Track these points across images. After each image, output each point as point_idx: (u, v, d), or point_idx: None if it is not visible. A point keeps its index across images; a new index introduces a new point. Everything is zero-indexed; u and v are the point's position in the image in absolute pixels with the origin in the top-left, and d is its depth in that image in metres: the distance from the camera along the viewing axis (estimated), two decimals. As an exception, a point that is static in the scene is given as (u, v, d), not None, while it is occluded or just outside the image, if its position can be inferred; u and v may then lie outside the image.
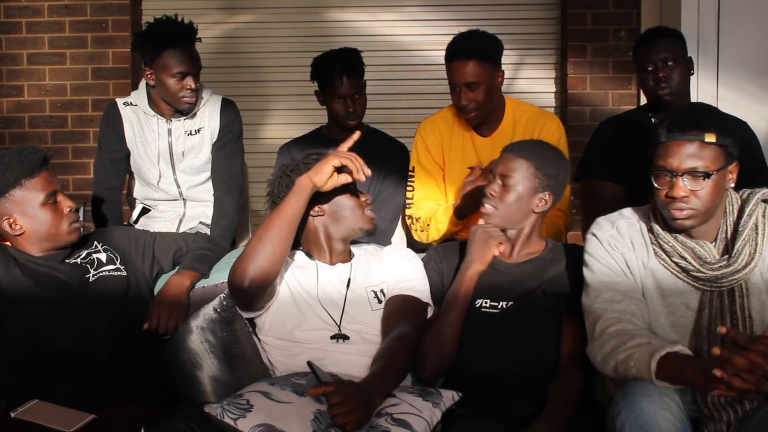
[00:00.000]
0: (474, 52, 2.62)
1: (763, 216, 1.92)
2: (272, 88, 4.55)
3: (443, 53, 2.73)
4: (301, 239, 2.24)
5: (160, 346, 2.25)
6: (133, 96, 2.88)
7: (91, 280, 2.25)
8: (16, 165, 2.17)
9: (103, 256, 2.32)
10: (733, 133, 1.87)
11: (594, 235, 2.03)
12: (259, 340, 2.20)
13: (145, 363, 2.20)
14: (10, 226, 2.20)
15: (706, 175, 1.84)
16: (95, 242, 2.35)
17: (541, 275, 2.18)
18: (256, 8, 4.53)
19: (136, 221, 3.00)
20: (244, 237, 3.17)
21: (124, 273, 2.31)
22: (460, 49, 2.66)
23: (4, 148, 2.46)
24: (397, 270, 2.23)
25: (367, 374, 1.92)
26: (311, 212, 2.19)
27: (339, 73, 2.91)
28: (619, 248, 1.99)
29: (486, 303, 2.16)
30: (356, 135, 2.19)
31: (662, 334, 1.92)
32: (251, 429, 1.74)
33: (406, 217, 2.87)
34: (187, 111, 2.81)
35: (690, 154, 1.84)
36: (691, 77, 2.83)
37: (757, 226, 1.90)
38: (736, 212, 1.93)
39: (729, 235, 1.92)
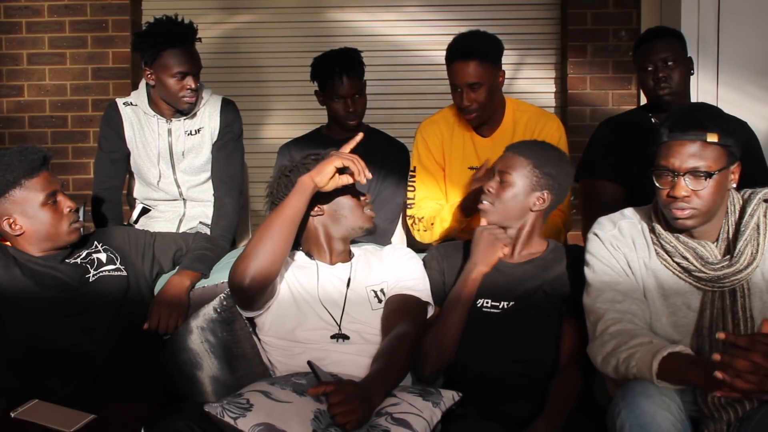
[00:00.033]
0: (475, 53, 2.62)
1: (765, 216, 1.91)
2: (272, 88, 4.55)
3: (443, 53, 2.73)
4: (301, 239, 2.24)
5: (160, 346, 2.25)
6: (133, 96, 2.88)
7: (91, 280, 2.25)
8: (16, 165, 2.17)
9: (103, 256, 2.32)
10: (735, 134, 1.87)
11: (596, 234, 2.03)
12: (259, 340, 2.20)
13: (145, 363, 2.20)
14: (10, 226, 2.20)
15: (708, 175, 1.83)
16: (95, 242, 2.35)
17: (542, 275, 2.18)
18: (256, 8, 4.54)
19: (136, 221, 3.00)
20: (244, 237, 3.17)
21: (124, 273, 2.31)
22: (461, 49, 2.65)
23: (4, 148, 2.46)
24: (397, 269, 2.23)
25: (367, 374, 1.92)
26: (311, 212, 2.19)
27: (339, 73, 2.91)
28: (621, 248, 1.98)
29: (487, 303, 2.17)
30: (359, 137, 2.20)
31: (664, 335, 1.92)
32: (251, 428, 1.74)
33: (407, 218, 2.87)
34: (187, 111, 2.81)
35: (692, 153, 1.84)
36: (691, 77, 2.84)
37: (758, 226, 1.90)
38: (737, 212, 1.93)
39: (731, 236, 1.92)
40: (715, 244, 1.92)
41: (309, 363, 1.88)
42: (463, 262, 2.25)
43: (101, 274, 2.28)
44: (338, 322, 2.12)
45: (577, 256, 2.13)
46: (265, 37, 4.54)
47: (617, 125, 2.93)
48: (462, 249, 2.32)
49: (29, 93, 4.40)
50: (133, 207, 3.05)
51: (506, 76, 2.76)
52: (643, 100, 3.10)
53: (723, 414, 1.83)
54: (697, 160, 1.84)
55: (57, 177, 2.27)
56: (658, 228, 1.95)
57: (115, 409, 2.01)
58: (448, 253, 2.33)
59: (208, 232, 2.84)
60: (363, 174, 2.07)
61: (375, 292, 2.20)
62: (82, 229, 2.30)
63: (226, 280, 2.22)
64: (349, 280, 2.19)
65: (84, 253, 2.30)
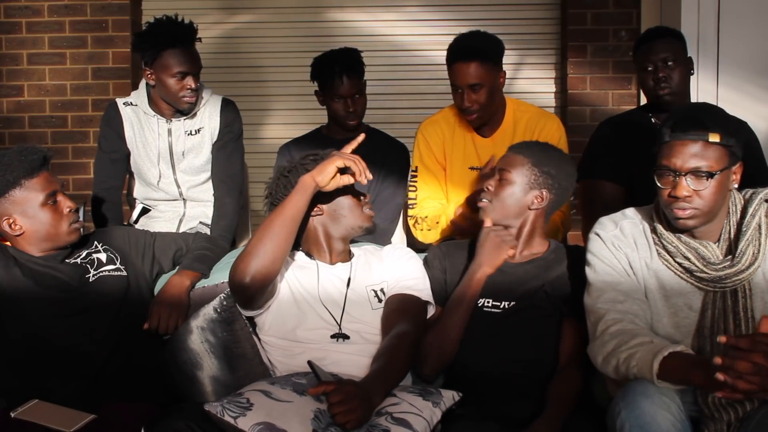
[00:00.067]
0: (476, 54, 2.62)
1: (766, 216, 1.91)
2: (272, 88, 4.55)
3: (443, 53, 2.73)
4: (301, 240, 2.25)
5: (160, 346, 2.25)
6: (133, 96, 2.88)
7: (91, 280, 2.25)
8: (16, 165, 2.17)
9: (103, 256, 2.32)
10: (737, 134, 1.87)
11: (597, 234, 2.03)
12: (259, 339, 2.20)
13: (145, 363, 2.20)
14: (10, 226, 2.20)
15: (710, 175, 1.83)
16: (95, 242, 2.35)
17: (543, 276, 2.18)
18: (256, 8, 4.53)
19: (136, 221, 3.00)
20: (244, 237, 3.17)
21: (124, 273, 2.31)
22: (462, 50, 2.65)
23: (4, 148, 2.46)
24: (396, 269, 2.23)
25: (367, 373, 1.92)
26: (311, 212, 2.19)
27: (339, 73, 2.91)
28: (623, 248, 1.98)
29: (488, 302, 2.17)
30: (360, 137, 2.20)
31: (665, 335, 1.91)
32: (251, 427, 1.74)
33: (408, 218, 2.87)
34: (187, 111, 2.81)
35: (693, 153, 1.84)
36: (691, 77, 2.84)
37: (760, 227, 1.90)
38: (739, 212, 1.92)
39: (732, 236, 1.91)
40: (717, 244, 1.92)
41: (309, 363, 1.88)
42: (466, 262, 2.26)
43: (101, 274, 2.28)
44: (338, 322, 2.12)
45: (578, 257, 2.13)
46: (265, 37, 4.54)
47: (617, 125, 2.93)
48: (464, 248, 2.32)
49: (29, 93, 4.40)
50: (133, 207, 3.05)
51: (506, 77, 2.77)
52: (643, 100, 3.10)
53: (723, 414, 1.83)
54: (699, 160, 1.83)
55: (57, 177, 2.27)
56: (660, 228, 1.95)
57: (115, 409, 2.01)
58: (450, 252, 2.33)
59: (208, 232, 2.84)
60: (364, 174, 2.08)
61: (375, 291, 2.20)
62: (82, 229, 2.30)
63: (226, 280, 2.22)
64: (349, 279, 2.20)
65: (84, 253, 2.30)
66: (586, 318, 1.99)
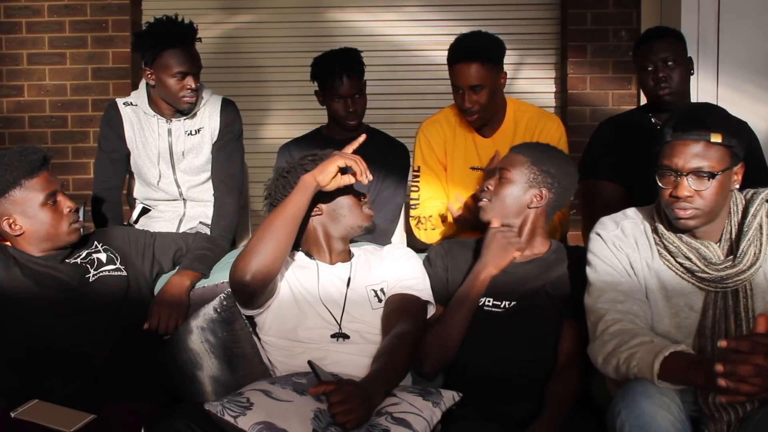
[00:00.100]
0: (477, 55, 2.62)
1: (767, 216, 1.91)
2: (272, 88, 4.55)
3: (443, 53, 2.73)
4: (300, 240, 2.25)
5: (160, 346, 2.25)
6: (133, 96, 2.88)
7: (91, 280, 2.25)
8: (16, 165, 2.17)
9: (103, 256, 2.32)
10: (739, 134, 1.86)
11: (598, 234, 2.02)
12: (259, 339, 2.20)
13: (145, 363, 2.20)
14: (10, 226, 2.20)
15: (711, 176, 1.83)
16: (95, 242, 2.35)
17: (544, 276, 2.18)
18: (256, 8, 4.54)
19: (136, 221, 3.00)
20: (244, 237, 3.17)
21: (124, 273, 2.31)
22: (464, 51, 2.65)
23: (4, 148, 2.46)
24: (396, 269, 2.23)
25: (367, 373, 1.92)
26: (311, 212, 2.19)
27: (339, 73, 2.91)
28: (624, 248, 1.98)
29: (489, 302, 2.17)
30: (362, 138, 2.21)
31: (666, 335, 1.91)
32: (251, 427, 1.74)
33: (411, 218, 2.86)
34: (187, 111, 2.81)
35: (695, 153, 1.84)
36: (691, 77, 2.84)
37: (761, 227, 1.90)
38: (740, 212, 1.92)
39: (733, 236, 1.91)
40: (718, 244, 1.91)
41: (309, 363, 1.88)
42: (469, 260, 2.26)
43: (101, 274, 2.28)
44: (338, 322, 2.12)
45: (579, 257, 2.13)
46: (265, 37, 4.54)
47: (617, 125, 2.93)
48: (466, 246, 2.32)
49: (29, 93, 4.40)
50: (133, 207, 3.06)
51: (507, 77, 2.76)
52: (643, 100, 3.10)
53: (723, 414, 1.83)
54: (701, 160, 1.83)
55: (57, 177, 2.27)
56: (661, 228, 1.95)
57: (115, 409, 2.01)
58: (452, 250, 2.32)
59: (208, 232, 2.84)
60: (365, 175, 2.08)
61: (375, 291, 2.20)
62: (82, 229, 2.30)
63: (226, 280, 2.22)
64: (349, 279, 2.20)
65: (84, 253, 2.30)
66: (586, 318, 1.99)
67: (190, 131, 2.85)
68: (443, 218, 2.75)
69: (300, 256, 2.24)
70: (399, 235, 3.10)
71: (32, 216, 2.19)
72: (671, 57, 2.73)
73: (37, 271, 2.21)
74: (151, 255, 2.41)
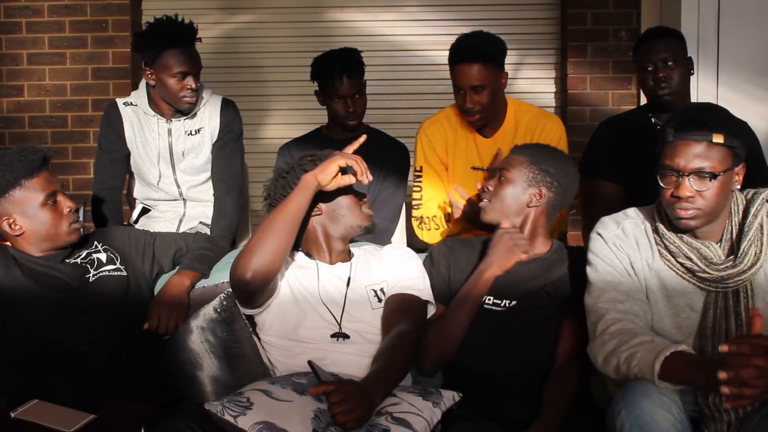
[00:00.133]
0: (479, 55, 2.61)
1: (768, 216, 1.92)
2: (272, 88, 4.55)
3: (443, 53, 2.73)
4: (300, 240, 2.25)
5: (160, 346, 2.25)
6: (133, 96, 2.88)
7: (91, 280, 2.25)
8: (16, 165, 2.17)
9: (103, 256, 2.32)
10: (741, 135, 1.86)
11: (599, 234, 2.02)
12: (259, 339, 2.20)
13: (145, 363, 2.20)
14: (10, 226, 2.20)
15: (713, 176, 1.83)
16: (95, 242, 2.35)
17: (546, 276, 2.18)
18: (256, 8, 4.54)
19: (136, 221, 3.00)
20: (244, 237, 3.17)
21: (124, 273, 2.31)
22: (466, 51, 2.64)
23: (4, 148, 2.46)
24: (396, 269, 2.23)
25: (368, 373, 1.92)
26: (311, 212, 2.19)
27: (339, 73, 2.91)
28: (624, 248, 1.98)
29: (489, 300, 2.17)
30: (362, 139, 2.22)
31: (667, 336, 1.91)
32: (251, 426, 1.74)
33: (413, 219, 2.86)
34: (187, 111, 2.81)
35: (697, 154, 1.83)
36: (691, 77, 2.83)
37: (762, 227, 1.90)
38: (741, 212, 1.92)
39: (734, 236, 1.91)
40: (719, 244, 1.91)
41: (309, 363, 1.88)
42: (470, 258, 2.26)
43: (101, 274, 2.28)
44: (338, 321, 2.12)
45: (580, 258, 2.13)
46: (265, 37, 4.54)
47: (617, 125, 2.93)
48: (468, 244, 2.31)
49: (29, 93, 4.40)
50: (133, 207, 3.06)
51: (507, 77, 2.76)
52: (643, 100, 3.10)
53: (723, 414, 1.82)
54: (703, 160, 1.83)
55: (57, 177, 2.27)
56: (662, 228, 1.95)
57: (115, 409, 2.01)
58: (454, 248, 2.32)
59: (208, 232, 2.84)
60: (365, 175, 2.09)
61: (375, 291, 2.20)
62: (82, 229, 2.30)
63: (226, 280, 2.22)
64: (349, 279, 2.20)
65: (84, 253, 2.30)
66: (586, 318, 1.99)
67: (190, 131, 2.85)
68: (448, 217, 2.75)
69: (300, 256, 2.24)
70: (399, 235, 3.10)
71: (32, 216, 2.19)
72: (671, 57, 2.73)
73: (37, 271, 2.21)
74: (151, 255, 2.41)
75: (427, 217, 2.80)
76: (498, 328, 2.13)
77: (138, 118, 2.85)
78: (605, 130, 2.94)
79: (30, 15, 4.36)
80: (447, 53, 2.71)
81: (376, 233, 2.59)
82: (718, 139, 1.83)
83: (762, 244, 1.89)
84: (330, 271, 2.20)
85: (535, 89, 4.46)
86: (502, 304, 2.16)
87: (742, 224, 1.91)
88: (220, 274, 2.40)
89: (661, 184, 1.89)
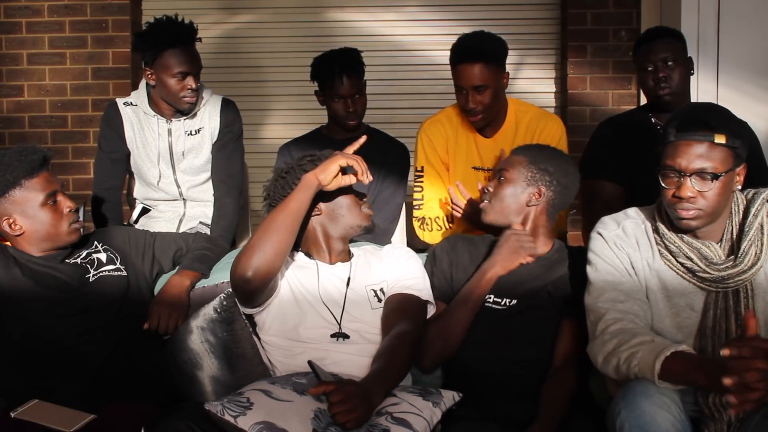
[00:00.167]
0: (481, 55, 2.62)
1: (768, 216, 1.92)
2: (272, 88, 4.55)
3: (443, 53, 2.72)
4: (300, 240, 2.25)
5: (160, 346, 2.25)
6: (133, 96, 2.88)
7: (91, 280, 2.25)
8: (16, 165, 2.17)
9: (103, 256, 2.32)
10: (742, 135, 1.86)
11: (599, 234, 2.02)
12: (259, 339, 2.20)
13: (145, 363, 2.20)
14: (10, 226, 2.20)
15: (715, 177, 1.83)
16: (95, 242, 2.35)
17: (546, 276, 2.18)
18: (256, 8, 4.54)
19: (136, 221, 3.00)
20: (244, 237, 3.17)
21: (124, 273, 2.31)
22: (468, 51, 2.64)
23: (4, 148, 2.46)
24: (396, 269, 2.23)
25: (368, 373, 1.92)
26: (312, 212, 2.19)
27: (339, 73, 2.90)
28: (625, 248, 1.98)
29: (490, 298, 2.17)
30: (362, 139, 2.22)
31: (667, 336, 1.91)
32: (251, 426, 1.74)
33: (414, 219, 2.86)
34: (187, 111, 2.81)
35: (699, 154, 1.83)
36: (691, 77, 2.83)
37: (762, 227, 1.90)
38: (741, 213, 1.92)
39: (735, 236, 1.91)
40: (719, 244, 1.91)
41: (309, 363, 1.88)
42: (472, 256, 2.26)
43: (101, 274, 2.28)
44: (338, 321, 2.12)
45: (580, 258, 2.13)
46: (265, 37, 4.54)
47: (617, 125, 2.93)
48: (470, 243, 2.31)
49: (29, 93, 4.40)
50: (133, 207, 3.06)
51: (509, 77, 2.76)
52: (643, 100, 3.10)
53: (723, 414, 1.82)
54: (704, 161, 1.83)
55: (57, 177, 2.27)
56: (662, 228, 1.95)
57: (115, 409, 2.01)
58: (456, 246, 2.32)
59: (208, 232, 2.84)
60: (366, 175, 2.09)
61: (375, 291, 2.20)
62: (82, 229, 2.30)
63: (226, 280, 2.22)
64: (348, 279, 2.20)
65: (84, 253, 2.30)
66: (585, 318, 1.99)
67: (190, 131, 2.85)
68: (450, 218, 2.75)
69: (300, 256, 2.24)
70: (399, 235, 3.10)
71: (32, 216, 2.19)
72: (671, 57, 2.73)
73: (37, 271, 2.21)
74: (151, 255, 2.41)
75: (429, 218, 2.79)
76: (498, 327, 2.13)
77: (138, 118, 2.85)
78: (605, 130, 2.94)
79: (30, 15, 4.36)
80: (447, 53, 2.71)
81: (376, 233, 2.59)
82: (720, 139, 1.82)
83: (762, 244, 1.89)
84: (330, 271, 2.20)
85: (535, 89, 4.46)
86: (503, 303, 2.16)
87: (742, 224, 1.91)
88: (220, 274, 2.40)
89: (663, 185, 1.88)
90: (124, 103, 2.86)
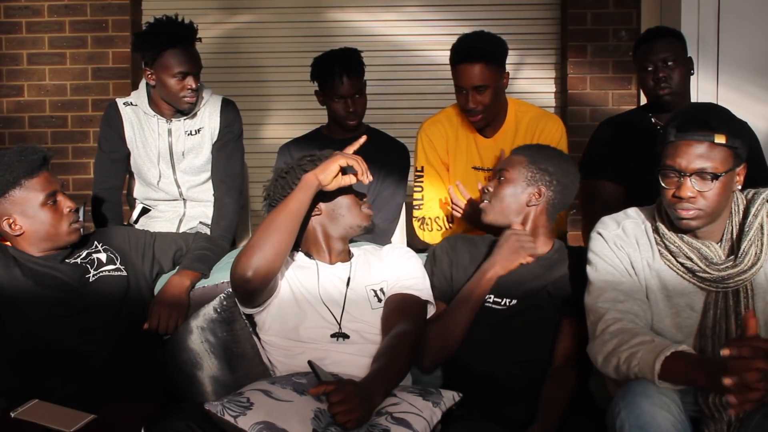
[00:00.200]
0: (482, 55, 2.62)
1: (768, 216, 1.92)
2: (272, 88, 4.56)
3: (443, 53, 2.72)
4: (300, 240, 2.25)
5: (160, 346, 2.25)
6: (134, 96, 2.88)
7: (91, 280, 2.25)
8: (16, 165, 2.17)
9: (103, 256, 2.32)
10: (742, 135, 1.86)
11: (599, 234, 2.02)
12: (259, 339, 2.20)
13: (145, 363, 2.20)
14: (10, 226, 2.20)
15: (715, 177, 1.83)
16: (95, 242, 2.35)
17: (546, 275, 2.18)
18: (256, 8, 4.54)
19: (136, 221, 3.00)
20: (244, 237, 3.17)
21: (124, 273, 2.31)
22: (468, 51, 2.64)
23: (4, 148, 2.46)
24: (396, 269, 2.23)
25: (367, 373, 1.92)
26: (312, 212, 2.19)
27: (339, 73, 2.90)
28: (625, 248, 1.98)
29: (490, 298, 2.17)
30: (363, 139, 2.22)
31: (667, 336, 1.91)
32: (251, 426, 1.74)
33: (414, 219, 2.86)
34: (187, 111, 2.81)
35: (699, 154, 1.83)
36: (691, 77, 2.83)
37: (762, 227, 1.90)
38: (741, 213, 1.92)
39: (735, 236, 1.91)
40: (719, 244, 1.91)
41: (309, 363, 1.88)
42: (472, 256, 2.26)
43: (101, 274, 2.28)
44: (338, 321, 2.12)
45: (580, 258, 2.13)
46: (265, 37, 4.54)
47: (617, 125, 2.93)
48: (470, 243, 2.31)
49: (29, 93, 4.40)
50: (133, 207, 3.06)
51: (509, 77, 2.76)
52: (643, 100, 3.10)
53: (723, 414, 1.83)
54: (705, 161, 1.83)
55: (57, 177, 2.27)
56: (662, 228, 1.95)
57: (115, 409, 2.01)
58: (456, 246, 2.32)
59: (208, 232, 2.84)
60: (366, 175, 2.09)
61: (375, 291, 2.20)
62: (82, 229, 2.30)
63: (226, 280, 2.22)
64: (348, 279, 2.20)
65: (84, 253, 2.30)
66: (585, 318, 1.99)
67: (190, 131, 2.85)
68: (450, 218, 2.75)
69: (300, 256, 2.24)
70: (399, 235, 3.10)
71: (32, 216, 2.19)
72: (671, 57, 2.73)
73: (37, 271, 2.21)
74: (151, 255, 2.41)
75: (429, 218, 2.79)
76: (498, 327, 2.13)
77: (138, 118, 2.85)
78: (605, 130, 2.94)
79: (30, 15, 4.36)
80: (447, 53, 2.71)
81: (376, 233, 2.59)
82: (720, 139, 1.82)
83: (762, 244, 1.89)
84: (330, 271, 2.20)
85: (535, 89, 4.46)
86: (503, 303, 2.16)
87: (742, 224, 1.91)
88: (220, 274, 2.40)
89: (663, 185, 1.88)
90: (124, 103, 2.87)
